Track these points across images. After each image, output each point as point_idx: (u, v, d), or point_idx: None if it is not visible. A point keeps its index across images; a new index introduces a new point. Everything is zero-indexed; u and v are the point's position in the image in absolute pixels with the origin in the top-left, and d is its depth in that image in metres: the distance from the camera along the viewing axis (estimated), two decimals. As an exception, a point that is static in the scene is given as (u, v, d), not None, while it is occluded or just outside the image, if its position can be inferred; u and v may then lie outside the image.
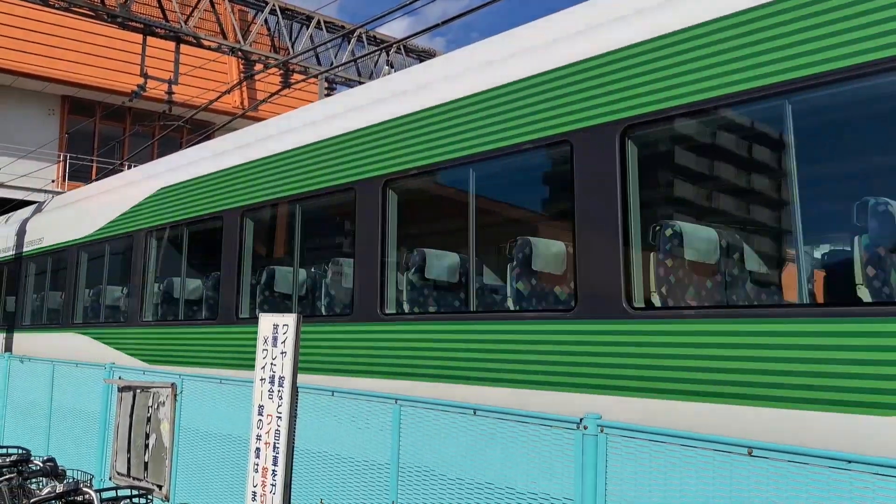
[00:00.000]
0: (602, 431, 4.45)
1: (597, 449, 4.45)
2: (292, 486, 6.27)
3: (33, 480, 7.68)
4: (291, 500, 6.24)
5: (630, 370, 5.76)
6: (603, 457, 4.43)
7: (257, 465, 6.41)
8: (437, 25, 13.04)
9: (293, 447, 6.29)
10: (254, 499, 6.35)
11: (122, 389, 8.71)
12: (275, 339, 6.40)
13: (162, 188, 12.22)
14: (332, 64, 23.41)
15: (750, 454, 3.84)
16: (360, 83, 23.73)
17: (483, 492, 5.09)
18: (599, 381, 5.99)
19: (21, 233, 17.30)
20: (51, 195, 25.09)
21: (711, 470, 3.95)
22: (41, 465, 7.65)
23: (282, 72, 22.58)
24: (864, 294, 5.26)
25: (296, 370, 6.32)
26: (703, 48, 5.83)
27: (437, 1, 12.67)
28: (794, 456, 3.71)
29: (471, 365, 6.96)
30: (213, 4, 21.91)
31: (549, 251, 7.34)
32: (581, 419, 4.54)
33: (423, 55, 25.75)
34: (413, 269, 8.20)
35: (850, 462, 3.52)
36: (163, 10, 20.77)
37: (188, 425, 7.87)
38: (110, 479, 8.57)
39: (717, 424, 5.17)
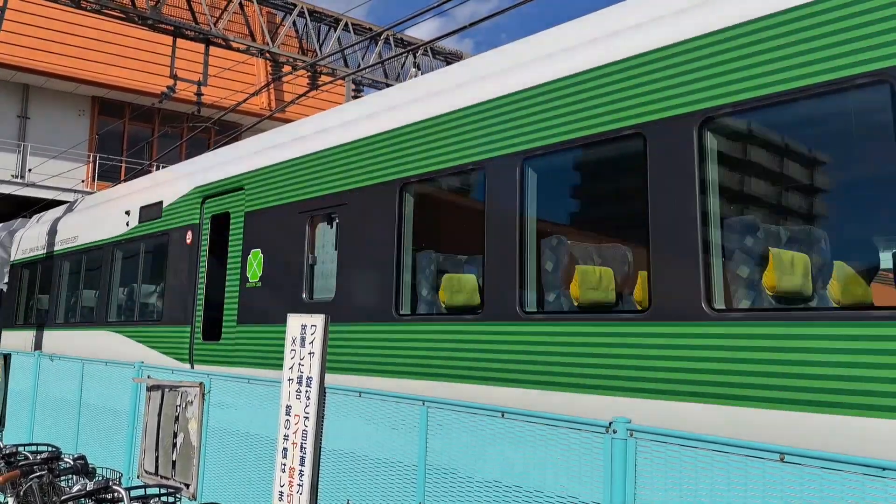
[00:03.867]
0: (632, 436, 4.40)
1: (626, 453, 4.41)
2: (319, 485, 6.28)
3: (63, 478, 7.74)
4: (318, 500, 6.25)
5: None
6: (632, 461, 4.38)
7: (284, 464, 6.43)
8: (465, 27, 13.03)
9: (320, 447, 6.30)
10: (281, 498, 6.37)
11: (150, 388, 8.77)
12: (303, 339, 6.42)
13: None
14: (359, 66, 23.47)
15: (782, 460, 3.78)
16: (388, 85, 23.78)
17: (511, 493, 5.06)
18: None
19: None
20: (81, 195, 25.38)
21: (744, 475, 3.89)
22: (72, 462, 7.71)
23: (309, 73, 22.67)
24: None
25: (324, 370, 6.33)
26: None
27: (466, 2, 12.66)
28: (827, 462, 3.65)
29: None
30: (242, 7, 22.05)
31: None
32: (610, 423, 4.50)
33: (450, 57, 25.74)
34: None
35: (884, 469, 3.46)
36: (192, 13, 20.95)
37: (216, 424, 7.91)
38: (138, 477, 8.63)
39: None
